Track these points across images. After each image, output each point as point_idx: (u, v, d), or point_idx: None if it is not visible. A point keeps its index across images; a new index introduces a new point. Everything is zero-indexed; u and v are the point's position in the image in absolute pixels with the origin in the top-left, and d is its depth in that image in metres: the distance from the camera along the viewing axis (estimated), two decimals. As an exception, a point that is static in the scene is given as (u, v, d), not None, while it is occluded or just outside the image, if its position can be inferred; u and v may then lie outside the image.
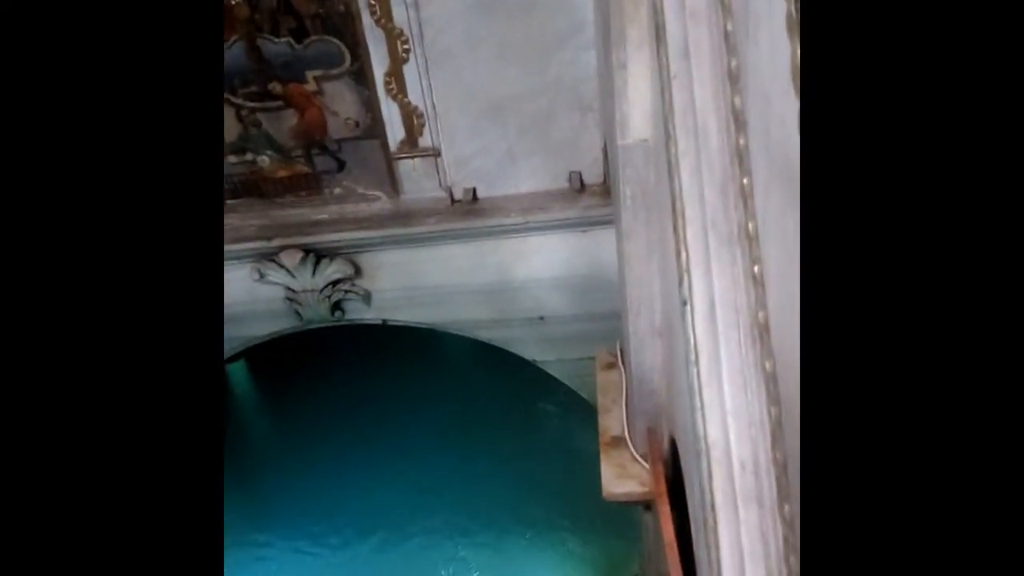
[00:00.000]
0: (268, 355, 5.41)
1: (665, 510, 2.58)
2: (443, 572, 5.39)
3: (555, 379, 5.16)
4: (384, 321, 4.98)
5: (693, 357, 1.75)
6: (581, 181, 4.47)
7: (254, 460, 6.22)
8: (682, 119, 1.88)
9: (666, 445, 2.96)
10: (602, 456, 3.28)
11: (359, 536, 5.68)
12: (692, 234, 1.84)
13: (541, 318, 4.83)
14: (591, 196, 4.45)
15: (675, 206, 1.89)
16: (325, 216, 4.70)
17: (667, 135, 1.94)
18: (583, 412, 4.91)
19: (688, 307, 1.77)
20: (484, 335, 5.00)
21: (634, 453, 3.23)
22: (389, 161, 4.54)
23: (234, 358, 5.50)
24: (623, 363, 3.56)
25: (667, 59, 1.92)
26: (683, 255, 1.83)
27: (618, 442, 3.31)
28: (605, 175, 4.41)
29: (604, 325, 4.30)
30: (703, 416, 1.74)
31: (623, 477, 3.17)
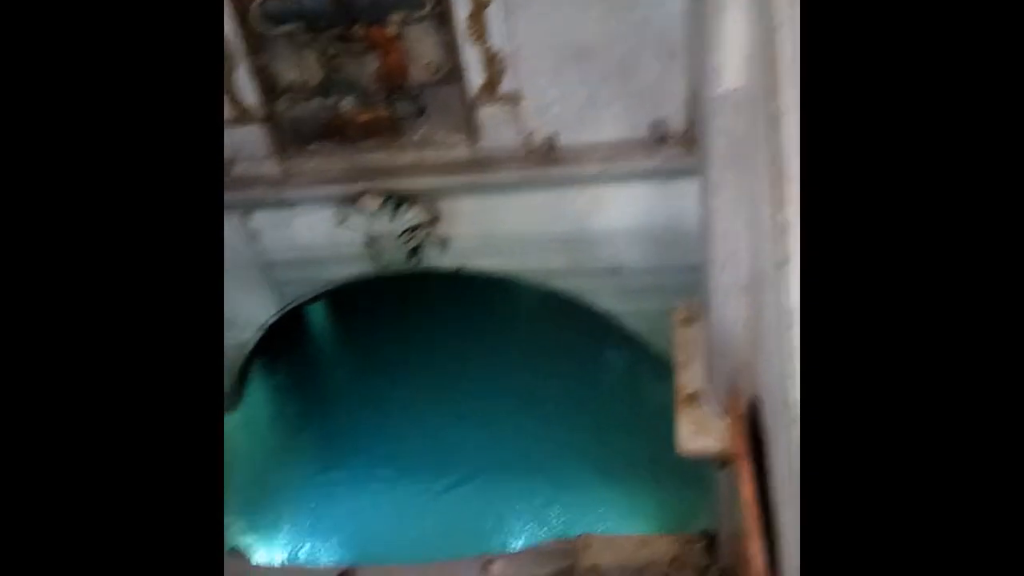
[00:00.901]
0: (346, 297, 5.52)
1: (745, 470, 2.56)
2: (508, 519, 5.50)
3: (627, 331, 5.12)
4: (459, 268, 5.01)
5: (790, 321, 1.70)
6: (663, 130, 4.35)
7: (328, 399, 6.41)
8: (787, 70, 1.80)
9: (746, 404, 2.92)
10: (679, 411, 3.25)
11: (426, 478, 5.82)
12: (792, 192, 1.77)
13: (617, 269, 4.78)
14: (673, 146, 4.34)
15: (775, 161, 1.82)
16: (405, 161, 4.71)
17: (770, 87, 1.86)
18: (654, 365, 4.88)
19: (786, 268, 1.72)
20: (559, 284, 4.99)
21: (711, 410, 3.20)
22: (468, 107, 4.50)
23: (313, 300, 5.63)
24: (703, 318, 3.50)
25: (773, 7, 1.83)
26: (783, 213, 1.77)
27: (695, 398, 3.28)
28: (689, 125, 4.28)
29: (681, 278, 4.22)
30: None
31: (699, 433, 3.14)
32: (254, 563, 5.03)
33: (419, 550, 4.99)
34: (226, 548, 5.34)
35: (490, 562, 3.95)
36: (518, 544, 5.20)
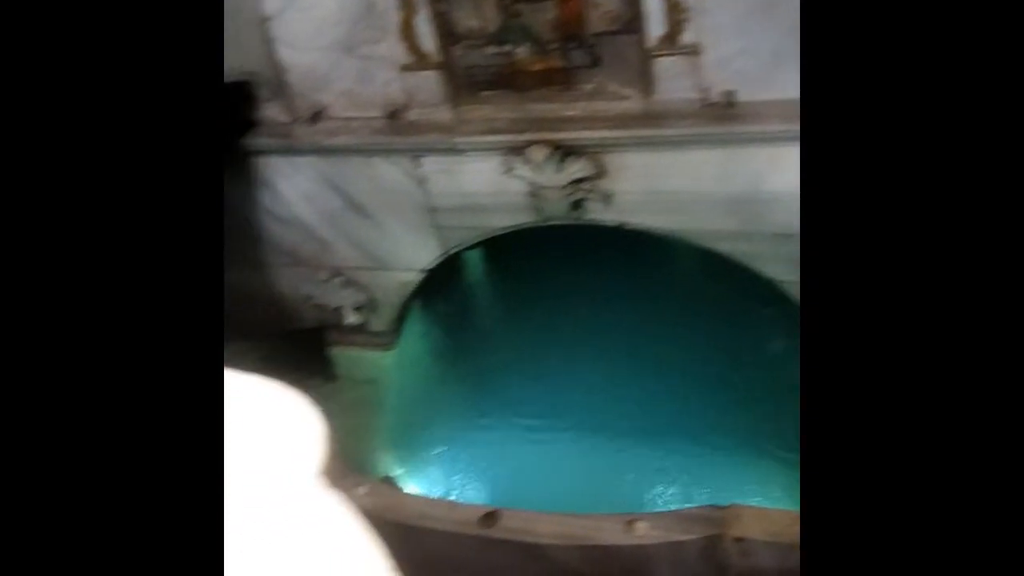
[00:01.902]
0: (505, 246, 5.57)
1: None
2: (653, 480, 5.45)
3: (793, 302, 4.88)
4: (622, 224, 4.93)
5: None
6: (855, 89, 4.05)
7: (481, 345, 6.55)
8: None
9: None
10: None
11: (573, 431, 5.85)
12: None
13: (789, 235, 4.55)
14: (864, 106, 4.03)
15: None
16: (575, 113, 4.66)
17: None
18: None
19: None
20: (724, 247, 4.82)
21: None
22: (645, 58, 4.37)
23: (473, 246, 5.74)
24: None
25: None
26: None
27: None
28: (885, 83, 3.96)
29: (862, 249, 3.96)
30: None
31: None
32: (404, 492, 5.27)
33: (560, 501, 5.04)
34: (378, 476, 5.64)
35: (634, 520, 3.91)
36: (661, 506, 5.16)
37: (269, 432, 1.08)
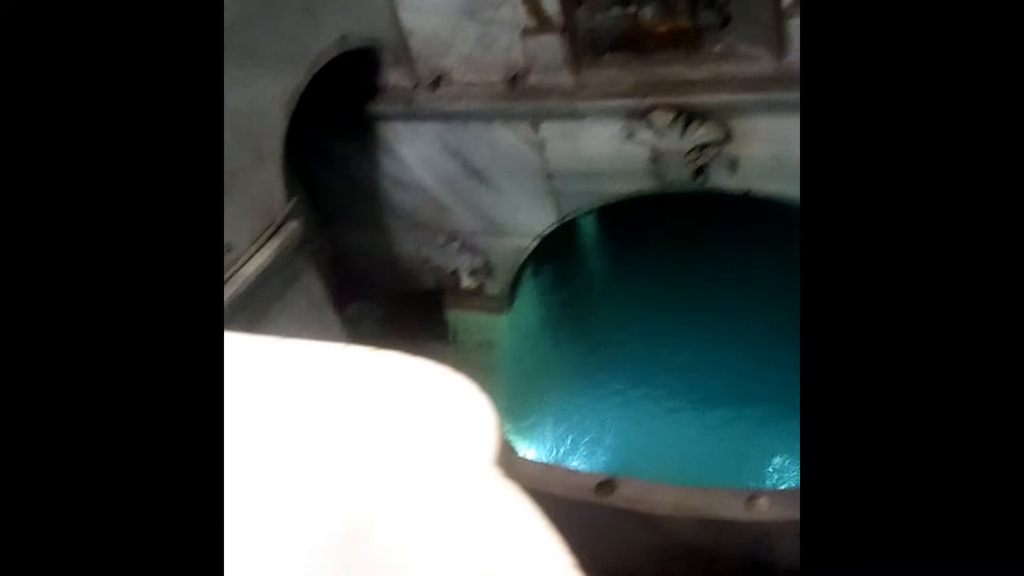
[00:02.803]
0: (623, 213, 5.49)
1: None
2: (771, 455, 5.32)
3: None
4: (747, 191, 4.76)
5: None
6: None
7: (593, 312, 6.52)
8: None
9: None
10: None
11: (688, 401, 5.77)
12: None
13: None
14: None
15: None
16: (701, 75, 4.50)
17: None
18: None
19: None
20: (857, 217, 4.58)
21: None
22: (779, 18, 4.16)
23: (590, 213, 5.68)
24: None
25: None
26: None
27: None
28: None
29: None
30: None
31: None
32: (519, 455, 5.35)
33: (674, 471, 4.99)
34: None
35: (755, 496, 3.83)
36: (780, 483, 5.04)
37: (443, 420, 1.07)
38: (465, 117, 5.17)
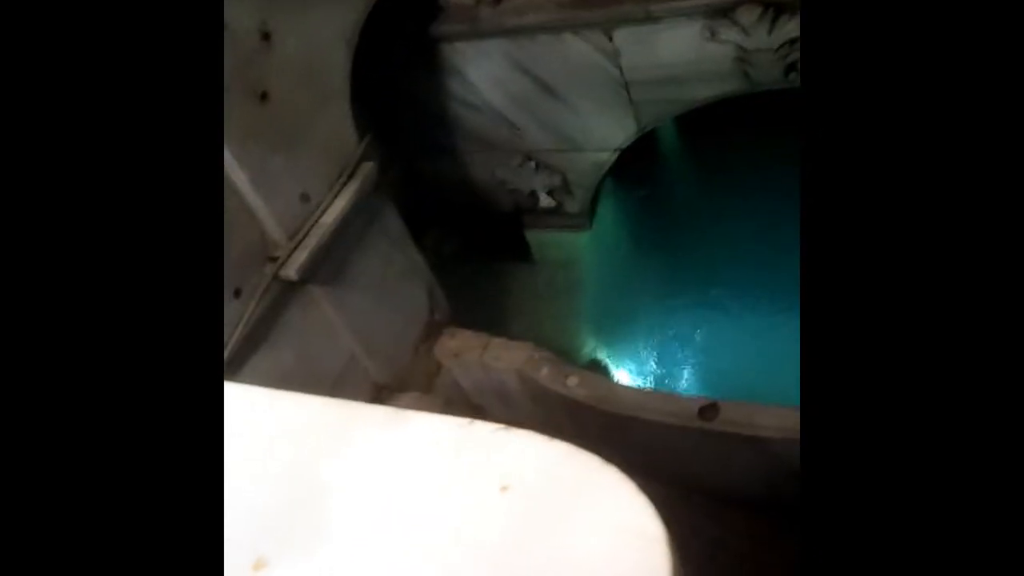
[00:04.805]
0: (707, 119, 5.18)
1: None
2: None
3: None
4: (844, 86, 4.39)
5: None
6: None
7: (677, 225, 6.28)
8: None
9: None
10: None
11: (781, 315, 5.54)
12: None
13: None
14: None
15: None
16: (790, -38, 4.09)
17: None
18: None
19: None
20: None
21: None
22: None
23: (672, 121, 5.39)
24: None
25: None
26: None
27: None
28: None
29: None
30: None
31: None
32: (616, 382, 5.29)
33: (769, 388, 4.85)
34: (585, 362, 5.68)
35: (868, 415, 3.68)
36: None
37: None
38: (532, 31, 4.88)
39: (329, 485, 0.89)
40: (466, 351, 4.87)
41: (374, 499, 0.84)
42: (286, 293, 3.79)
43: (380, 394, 4.51)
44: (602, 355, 5.90)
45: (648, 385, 5.60)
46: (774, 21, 4.18)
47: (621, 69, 4.84)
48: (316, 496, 0.88)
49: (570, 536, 0.76)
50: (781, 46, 4.27)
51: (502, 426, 0.85)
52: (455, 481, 0.81)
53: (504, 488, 0.77)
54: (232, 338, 3.38)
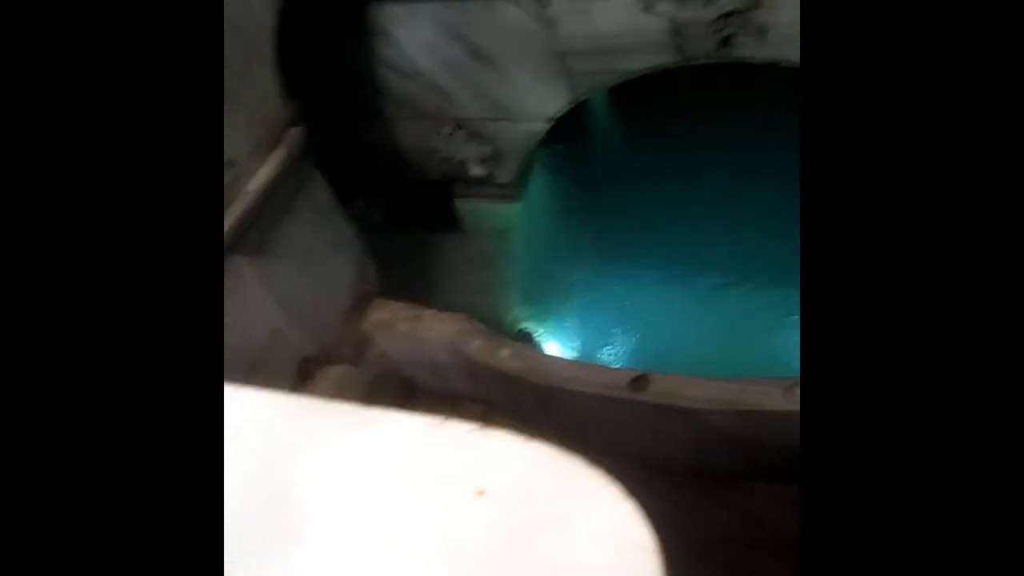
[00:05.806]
0: (638, 91, 5.17)
1: None
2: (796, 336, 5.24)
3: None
4: (775, 61, 4.44)
5: None
6: None
7: (608, 196, 6.30)
8: None
9: None
10: None
11: (708, 283, 5.64)
12: None
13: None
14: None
15: None
16: (726, -65, 4.08)
17: None
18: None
19: None
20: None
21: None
22: None
23: (605, 92, 5.36)
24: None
25: None
26: None
27: None
28: None
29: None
30: None
31: None
32: (545, 353, 5.29)
33: (699, 359, 4.94)
34: (514, 333, 5.66)
35: (794, 386, 3.77)
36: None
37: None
38: (466, -5, 4.76)
39: (296, 489, 0.83)
40: (396, 322, 4.78)
41: (343, 505, 0.78)
42: (209, 263, 3.62)
43: (307, 367, 4.39)
44: (534, 326, 5.90)
45: (580, 357, 5.63)
46: (709, -6, 4.17)
47: (556, 38, 4.77)
48: (283, 501, 0.82)
49: (553, 545, 0.70)
50: (716, 20, 4.28)
51: (476, 426, 0.79)
52: (427, 485, 0.75)
53: (481, 492, 0.72)
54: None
